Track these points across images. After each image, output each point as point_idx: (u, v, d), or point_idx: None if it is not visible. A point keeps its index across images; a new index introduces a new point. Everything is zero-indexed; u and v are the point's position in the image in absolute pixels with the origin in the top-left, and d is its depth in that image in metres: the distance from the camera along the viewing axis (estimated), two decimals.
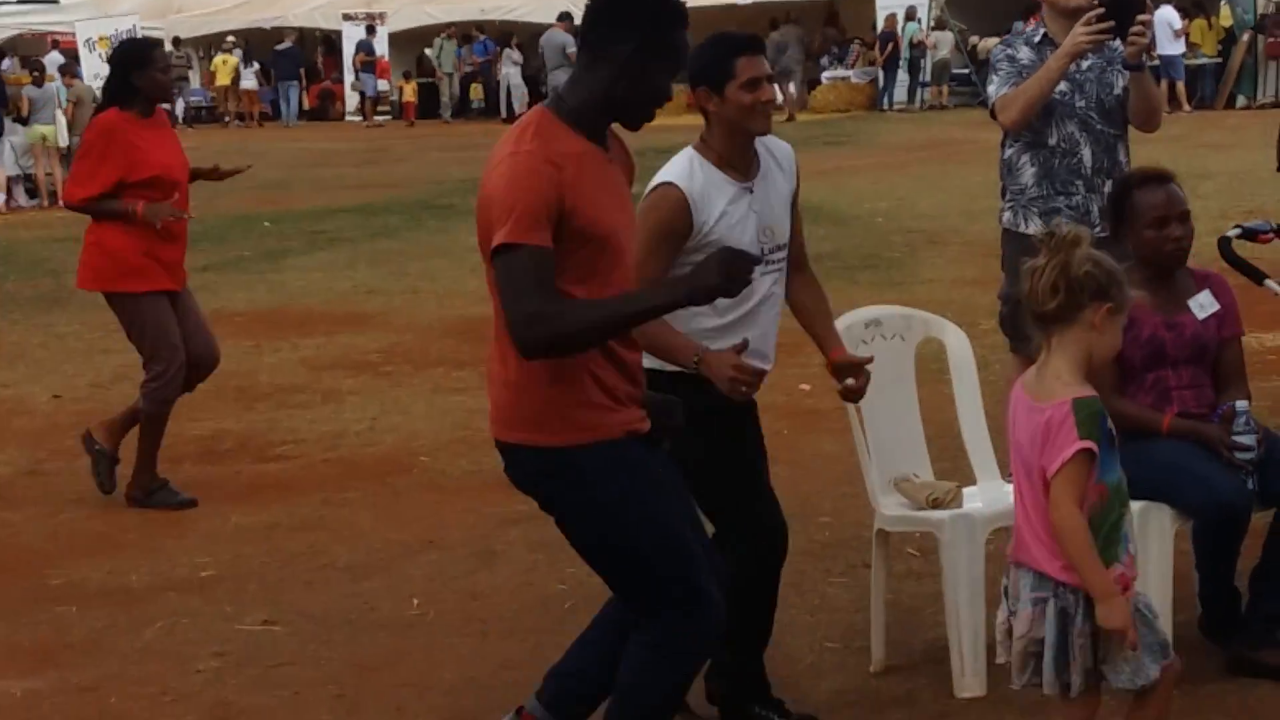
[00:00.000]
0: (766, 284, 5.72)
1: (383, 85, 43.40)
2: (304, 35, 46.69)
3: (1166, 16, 33.29)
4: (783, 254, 5.79)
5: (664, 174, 5.64)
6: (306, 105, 45.85)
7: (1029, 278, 4.77)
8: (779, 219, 5.77)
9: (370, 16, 43.56)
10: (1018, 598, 4.84)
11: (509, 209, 4.53)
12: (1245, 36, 34.70)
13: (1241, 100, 34.80)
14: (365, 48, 43.19)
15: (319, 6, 45.23)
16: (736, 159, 5.67)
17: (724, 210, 5.60)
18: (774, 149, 5.83)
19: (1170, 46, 33.51)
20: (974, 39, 37.73)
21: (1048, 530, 4.72)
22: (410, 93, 43.17)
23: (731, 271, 4.56)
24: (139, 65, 8.87)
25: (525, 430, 4.75)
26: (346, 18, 43.75)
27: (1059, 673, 4.76)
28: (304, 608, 7.46)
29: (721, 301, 5.30)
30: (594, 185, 4.66)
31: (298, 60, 45.79)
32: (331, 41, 45.86)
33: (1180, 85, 34.29)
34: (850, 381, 5.77)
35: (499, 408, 4.80)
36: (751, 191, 5.67)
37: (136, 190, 8.75)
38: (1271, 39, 34.40)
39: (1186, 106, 33.75)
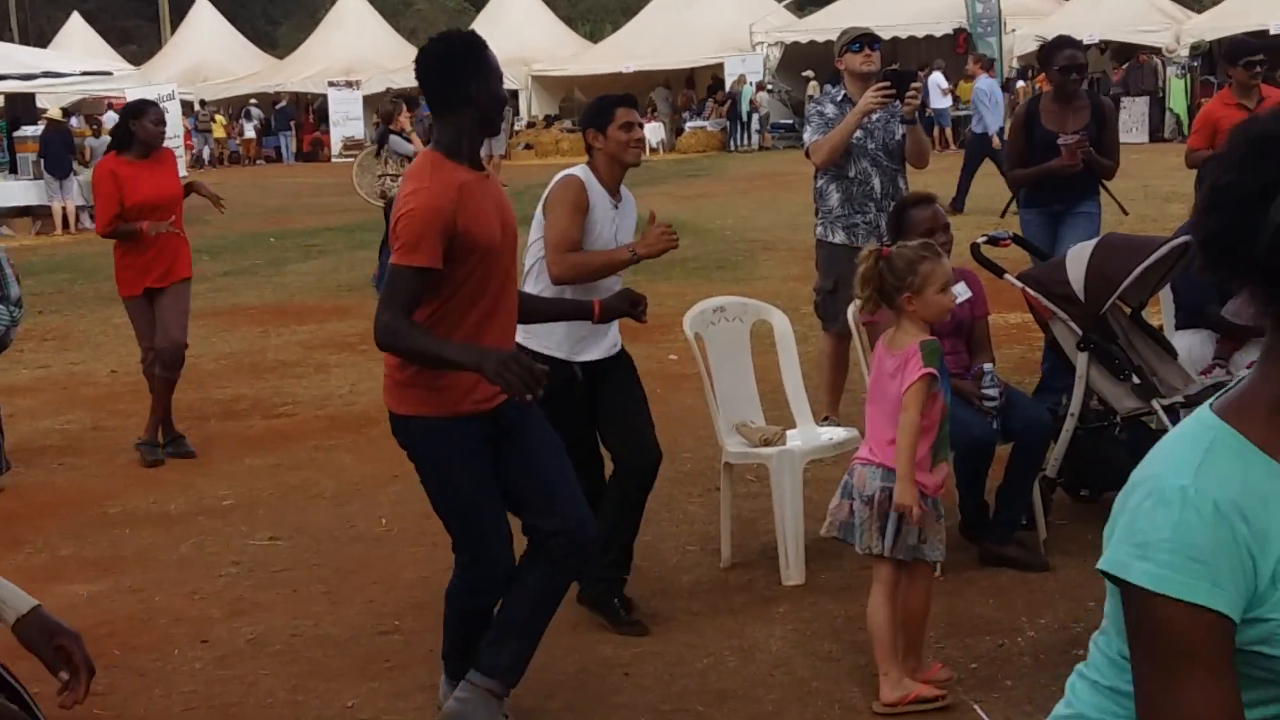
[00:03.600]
0: (618, 280, 5.75)
1: (359, 134, 43.03)
2: (299, 97, 46.31)
3: (937, 80, 33.51)
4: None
5: (567, 171, 5.69)
6: (301, 150, 45.57)
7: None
8: (628, 238, 5.78)
9: (350, 84, 43.21)
10: (863, 487, 4.88)
11: (409, 235, 4.38)
12: (1020, 84, 34.94)
13: (997, 142, 35.05)
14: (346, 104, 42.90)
15: (311, 75, 44.82)
16: (611, 185, 5.69)
17: (600, 215, 5.62)
18: (625, 195, 5.83)
19: (940, 102, 33.76)
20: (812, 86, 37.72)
21: (893, 439, 4.79)
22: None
23: (505, 374, 4.22)
24: (136, 117, 8.70)
25: (391, 399, 4.64)
26: (331, 84, 43.47)
27: (894, 539, 4.82)
28: (301, 526, 7.40)
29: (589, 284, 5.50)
30: (479, 207, 4.51)
31: (290, 115, 45.71)
32: (319, 103, 45.45)
33: (948, 131, 34.54)
34: (660, 228, 5.67)
35: (387, 380, 4.67)
36: (617, 209, 5.70)
37: (136, 213, 8.57)
38: (1015, 95, 34.74)
39: (952, 146, 33.98)
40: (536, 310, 5.18)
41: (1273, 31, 30.52)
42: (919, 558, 4.89)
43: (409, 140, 15.25)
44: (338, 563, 6.80)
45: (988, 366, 6.20)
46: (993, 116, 20.31)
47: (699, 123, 40.60)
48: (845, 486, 4.98)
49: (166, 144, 9.07)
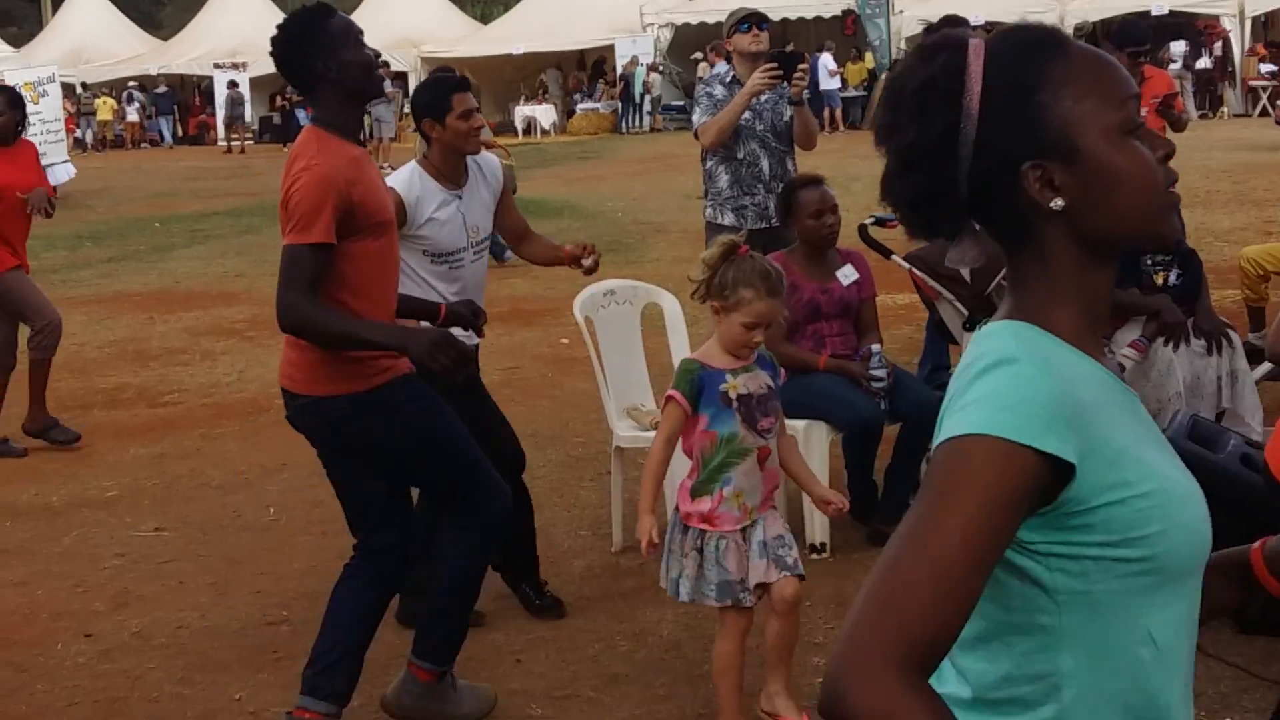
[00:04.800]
0: (480, 266, 5.67)
1: (245, 117, 42.49)
2: (184, 80, 45.67)
3: (826, 62, 33.76)
4: (487, 243, 5.70)
5: (389, 181, 5.49)
6: (187, 133, 44.96)
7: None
8: (482, 219, 5.67)
9: (236, 65, 42.60)
10: None
11: (301, 213, 4.30)
12: (884, 75, 35.24)
13: None
14: (232, 87, 42.31)
15: (196, 58, 44.18)
16: (450, 172, 5.55)
17: (433, 214, 5.48)
18: (484, 164, 5.71)
19: (829, 83, 34.00)
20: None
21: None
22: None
23: (439, 355, 4.28)
24: None
25: (303, 383, 4.52)
26: (217, 66, 42.87)
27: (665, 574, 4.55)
28: (186, 517, 7.30)
29: (449, 276, 5.46)
30: (370, 180, 4.48)
31: (172, 100, 45.16)
32: (206, 85, 44.83)
33: (837, 112, 34.78)
34: (587, 261, 5.64)
35: (305, 368, 4.52)
36: (461, 198, 5.57)
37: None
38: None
39: (841, 127, 34.22)
40: None
41: (1154, 13, 31.03)
42: (697, 599, 4.50)
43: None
44: (225, 553, 6.71)
45: (875, 347, 6.25)
46: None
47: (590, 105, 40.55)
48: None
49: (47, 126, 8.84)
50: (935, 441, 1.67)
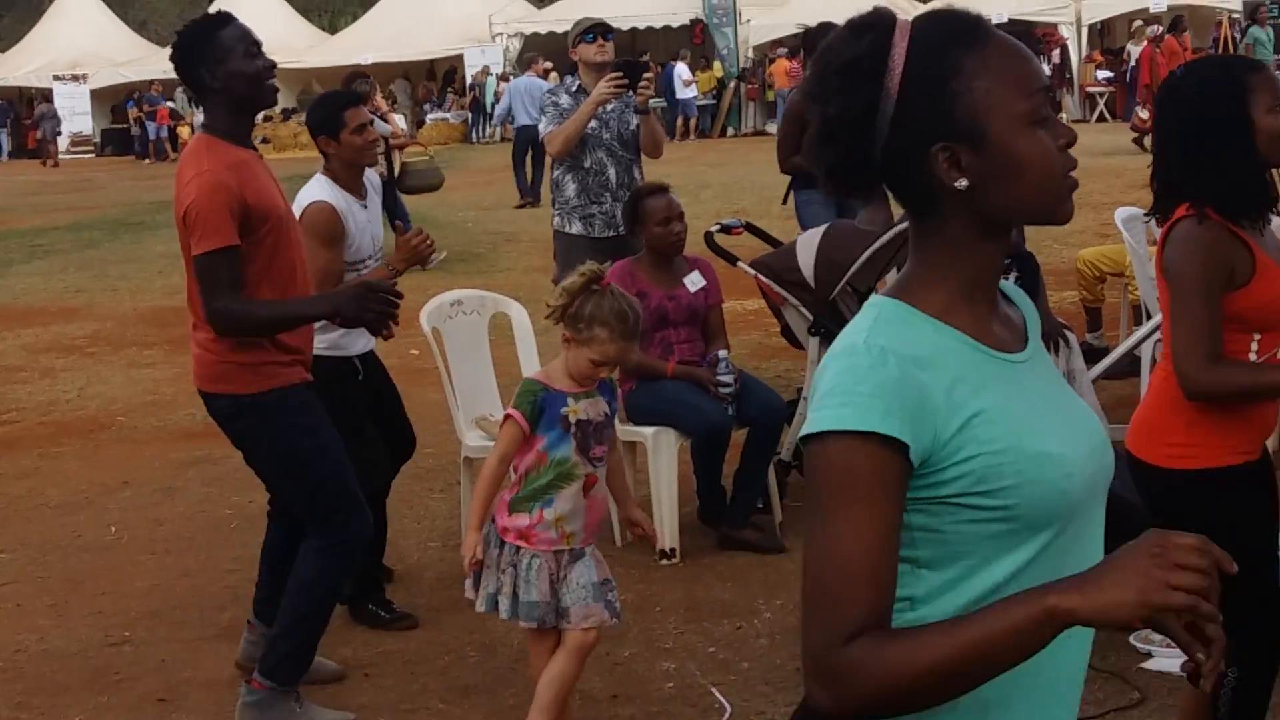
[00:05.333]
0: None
1: (86, 130, 41.63)
2: (22, 92, 44.60)
3: (681, 72, 33.94)
4: (381, 252, 5.80)
5: (312, 195, 5.55)
6: (26, 147, 43.86)
7: (554, 285, 4.64)
8: (379, 229, 5.84)
9: (76, 78, 41.74)
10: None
11: (202, 221, 4.39)
12: (731, 84, 35.45)
13: (731, 131, 35.58)
14: (71, 99, 41.47)
15: (35, 69, 43.18)
16: (354, 185, 5.66)
17: (353, 224, 5.59)
18: (370, 179, 5.82)
19: (685, 92, 34.15)
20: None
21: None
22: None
23: (370, 303, 4.49)
24: None
25: (223, 383, 4.59)
26: (57, 78, 41.95)
27: (475, 591, 4.45)
28: (24, 538, 7.11)
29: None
30: (261, 182, 4.56)
31: (8, 112, 44.08)
32: (46, 96, 43.80)
33: (693, 120, 34.98)
34: (415, 240, 5.56)
35: (203, 365, 4.62)
36: (366, 207, 5.67)
37: None
38: (750, 85, 35.30)
39: (692, 135, 34.44)
40: None
41: (995, 20, 31.65)
42: (516, 619, 4.40)
43: (386, 121, 14.91)
44: (64, 574, 6.55)
45: (722, 353, 6.30)
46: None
47: (440, 114, 40.33)
48: None
49: None
50: (803, 433, 1.82)
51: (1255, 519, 3.54)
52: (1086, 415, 1.97)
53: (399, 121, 16.36)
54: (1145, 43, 27.04)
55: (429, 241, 5.51)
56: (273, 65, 4.66)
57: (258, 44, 4.63)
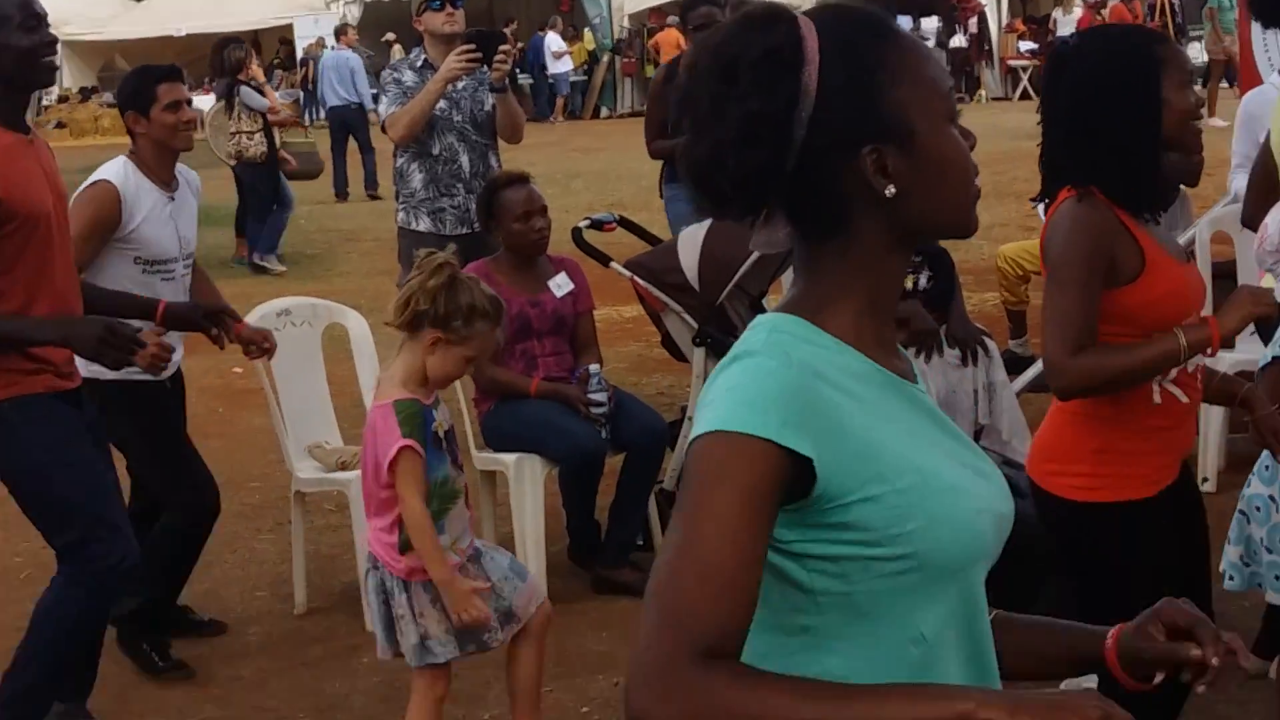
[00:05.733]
0: (187, 284, 5.79)
1: None
2: None
3: (551, 43, 33.91)
4: (192, 258, 5.82)
5: (101, 173, 5.61)
6: None
7: (397, 287, 4.68)
8: (191, 230, 5.82)
9: None
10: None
11: None
12: (606, 58, 35.56)
13: (605, 111, 35.68)
14: None
15: None
16: (163, 172, 5.68)
17: (149, 213, 5.57)
18: (187, 176, 5.84)
19: (557, 66, 34.07)
20: None
21: (375, 510, 4.51)
22: None
23: (106, 349, 4.47)
24: None
25: None
26: None
27: (389, 641, 4.52)
28: None
29: (156, 289, 5.52)
30: (21, 171, 4.53)
31: None
32: None
33: (561, 99, 34.89)
34: (253, 348, 5.69)
35: None
36: (173, 200, 5.66)
37: None
38: (626, 59, 35.41)
39: (560, 117, 34.40)
40: (95, 301, 5.08)
41: None
42: (430, 662, 4.49)
43: (261, 92, 14.80)
44: None
45: (594, 368, 6.31)
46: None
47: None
48: None
49: None
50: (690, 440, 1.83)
51: (1167, 553, 3.55)
52: (980, 452, 2.03)
53: (279, 98, 16.15)
54: (1082, 9, 27.39)
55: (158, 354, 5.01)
56: (53, 41, 4.65)
57: (39, 15, 4.60)
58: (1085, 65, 3.52)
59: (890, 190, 1.88)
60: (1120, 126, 3.46)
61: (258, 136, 14.40)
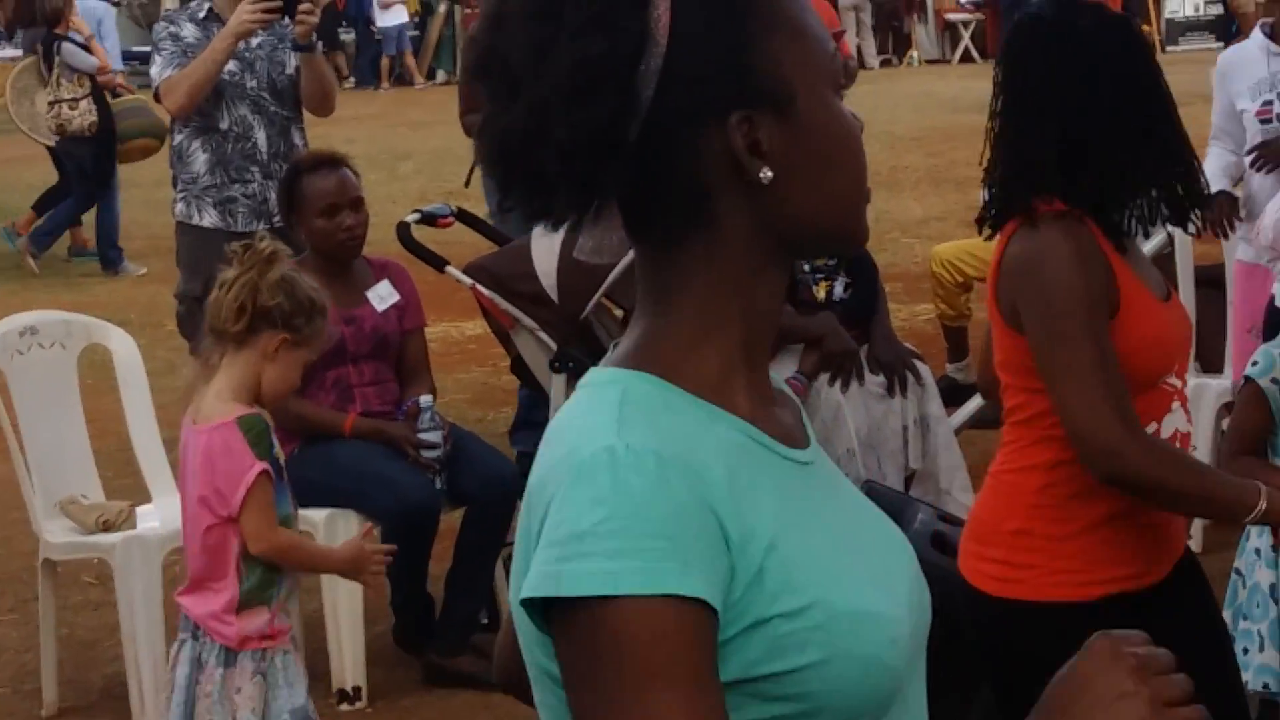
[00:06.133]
0: None
1: None
2: None
3: None
4: None
5: None
6: None
7: (216, 289, 4.67)
8: None
9: None
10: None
11: None
12: (443, 7, 35.46)
13: (442, 75, 35.55)
14: None
15: None
16: None
17: None
18: None
19: (385, 19, 33.54)
20: None
21: (207, 561, 4.59)
22: None
23: None
24: None
25: None
26: None
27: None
28: None
29: None
30: None
31: None
32: None
33: (409, 58, 34.44)
34: None
35: None
36: None
37: None
38: (469, 10, 35.31)
39: (386, 83, 34.15)
40: None
41: None
42: None
43: (87, 48, 14.45)
44: None
45: (425, 400, 6.31)
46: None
47: (12, 52, 39.70)
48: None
49: None
50: (526, 580, 1.71)
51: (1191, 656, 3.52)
52: (893, 535, 1.94)
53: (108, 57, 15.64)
54: None
55: None
56: None
57: None
58: (1073, 43, 3.48)
59: (766, 174, 1.77)
60: (1152, 129, 3.45)
61: (84, 104, 14.10)
